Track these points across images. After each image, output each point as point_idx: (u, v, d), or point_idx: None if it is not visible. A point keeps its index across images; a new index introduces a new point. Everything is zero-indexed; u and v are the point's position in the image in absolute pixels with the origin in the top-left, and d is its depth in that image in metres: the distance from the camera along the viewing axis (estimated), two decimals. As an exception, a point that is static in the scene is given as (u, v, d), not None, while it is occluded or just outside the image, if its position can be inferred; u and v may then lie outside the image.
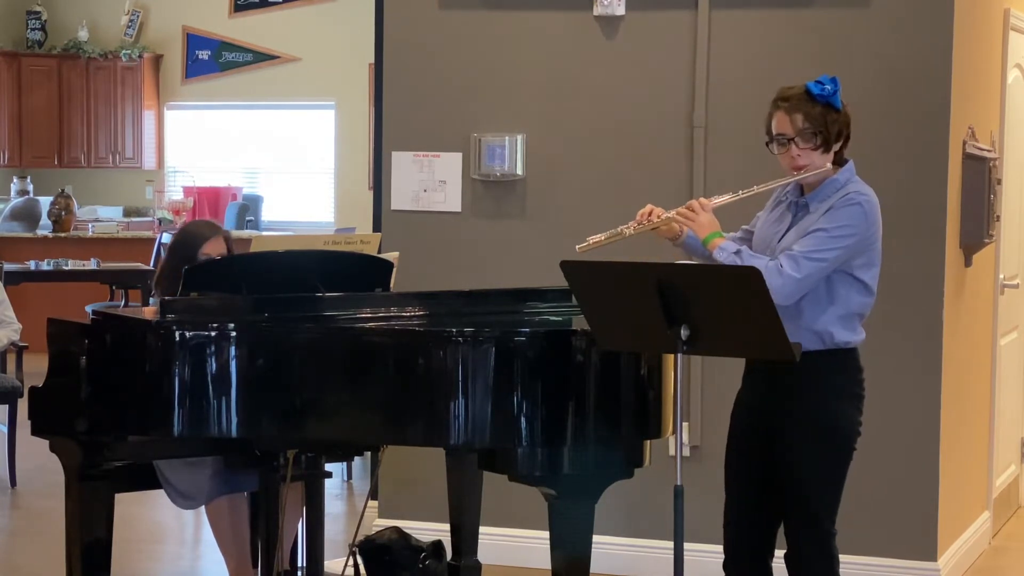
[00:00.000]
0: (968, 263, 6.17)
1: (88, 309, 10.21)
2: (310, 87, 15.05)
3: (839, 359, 4.20)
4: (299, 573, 5.14)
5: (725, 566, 4.40)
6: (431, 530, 5.82)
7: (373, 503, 6.36)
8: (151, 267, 11.63)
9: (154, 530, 6.99)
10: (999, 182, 6.41)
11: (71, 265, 11.78)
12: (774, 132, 4.22)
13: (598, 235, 4.29)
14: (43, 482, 7.62)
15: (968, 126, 5.99)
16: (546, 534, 4.32)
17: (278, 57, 15.28)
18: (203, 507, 5.23)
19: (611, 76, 6.05)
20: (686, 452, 4.69)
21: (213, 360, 4.26)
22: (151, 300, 5.34)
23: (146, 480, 5.20)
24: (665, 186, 5.79)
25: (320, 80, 14.93)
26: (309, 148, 15.36)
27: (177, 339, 4.28)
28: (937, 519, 5.79)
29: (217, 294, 4.56)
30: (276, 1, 15.21)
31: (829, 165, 4.21)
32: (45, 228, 13.83)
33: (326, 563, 5.02)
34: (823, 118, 4.18)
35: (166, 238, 9.94)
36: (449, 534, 5.31)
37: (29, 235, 13.79)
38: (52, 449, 4.67)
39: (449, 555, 5.38)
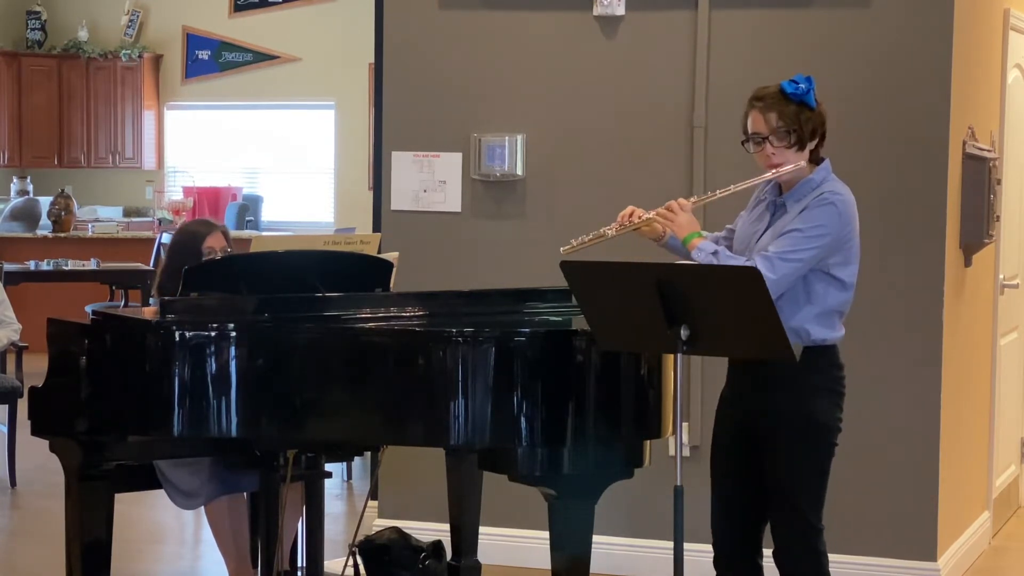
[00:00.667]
0: (968, 263, 6.17)
1: (88, 309, 10.21)
2: (310, 87, 15.05)
3: (817, 356, 4.22)
4: (299, 573, 5.15)
5: (715, 564, 4.41)
6: (431, 530, 5.82)
7: (373, 503, 6.36)
8: (151, 267, 11.63)
9: (154, 530, 6.99)
10: (999, 182, 6.41)
11: (71, 265, 11.78)
12: (749, 131, 4.25)
13: (581, 236, 4.33)
14: (43, 482, 7.62)
15: (968, 126, 5.99)
16: (546, 534, 4.32)
17: (278, 57, 15.28)
18: (203, 507, 5.24)
19: (611, 76, 6.04)
20: (686, 452, 4.70)
21: (213, 360, 4.26)
22: (151, 300, 5.34)
23: (146, 480, 5.20)
24: (665, 186, 5.78)
25: (320, 80, 14.93)
26: (309, 148, 15.36)
27: (177, 339, 4.28)
28: (937, 519, 5.79)
29: (217, 294, 4.56)
30: (276, 1, 15.21)
31: (804, 163, 4.24)
32: (45, 228, 13.84)
33: (326, 563, 5.02)
34: (797, 117, 4.20)
35: (166, 238, 9.93)
36: (449, 534, 5.31)
37: (29, 235, 13.79)
38: (52, 449, 4.68)
39: (449, 555, 5.39)
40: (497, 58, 6.18)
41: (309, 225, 14.77)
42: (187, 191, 14.97)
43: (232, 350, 4.27)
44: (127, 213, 15.31)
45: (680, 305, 3.91)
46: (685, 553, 4.02)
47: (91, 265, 11.79)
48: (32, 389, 4.70)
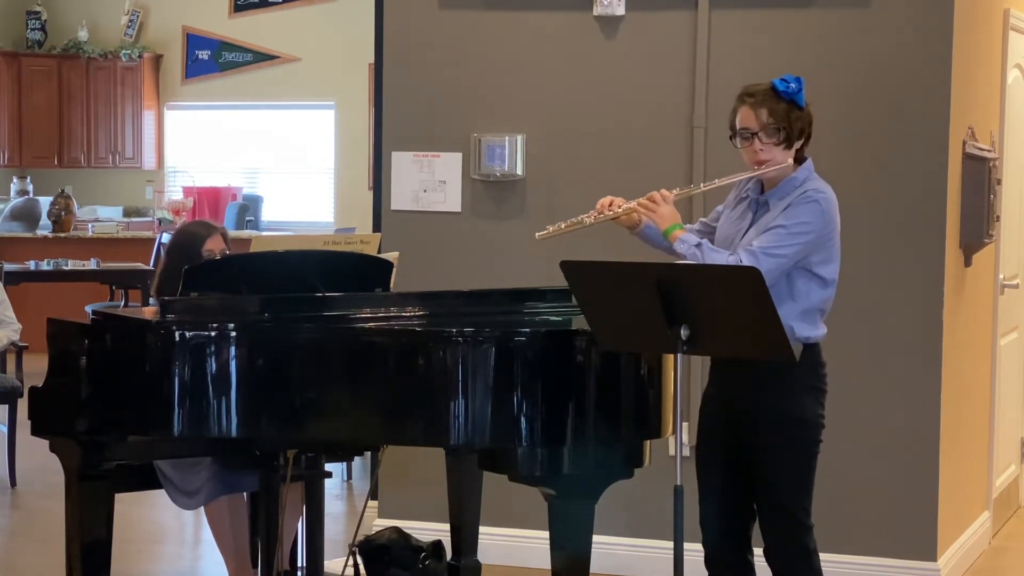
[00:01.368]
0: (968, 263, 6.17)
1: (88, 309, 10.21)
2: (310, 87, 15.05)
3: (801, 354, 4.22)
4: (299, 573, 5.14)
5: (707, 563, 4.42)
6: (431, 530, 5.82)
7: (373, 503, 6.36)
8: (151, 267, 11.62)
9: (154, 530, 6.99)
10: (999, 182, 6.41)
11: (71, 265, 11.78)
12: (738, 127, 4.28)
13: (558, 223, 4.35)
14: (43, 482, 7.62)
15: (968, 126, 5.99)
16: (546, 534, 4.32)
17: (278, 57, 15.28)
18: (203, 507, 5.23)
19: (611, 76, 6.04)
20: (686, 452, 4.69)
21: (213, 360, 4.26)
22: (151, 300, 5.34)
23: (146, 480, 5.20)
24: (665, 185, 5.72)
25: (320, 80, 14.93)
26: (309, 148, 15.36)
27: (177, 339, 4.28)
28: (937, 519, 5.79)
29: (217, 294, 4.56)
30: (276, 1, 15.21)
31: (790, 161, 4.26)
32: (45, 228, 13.83)
33: (326, 563, 5.02)
34: (787, 115, 4.24)
35: (166, 238, 9.94)
36: (449, 534, 5.32)
37: (29, 235, 13.79)
38: (52, 449, 4.67)
39: (449, 555, 5.39)
40: (497, 58, 6.17)
41: (309, 225, 14.77)
42: (187, 191, 14.97)
43: (232, 350, 4.27)
44: (127, 213, 15.31)
45: (680, 305, 3.91)
46: (685, 553, 4.02)
47: (91, 265, 11.78)
48: (32, 389, 4.70)
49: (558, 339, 4.28)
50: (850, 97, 5.74)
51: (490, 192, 6.20)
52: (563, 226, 4.35)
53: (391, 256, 5.19)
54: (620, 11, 6.00)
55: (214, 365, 4.26)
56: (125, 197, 15.76)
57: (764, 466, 4.27)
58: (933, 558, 5.79)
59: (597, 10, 6.02)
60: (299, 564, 5.15)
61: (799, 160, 4.31)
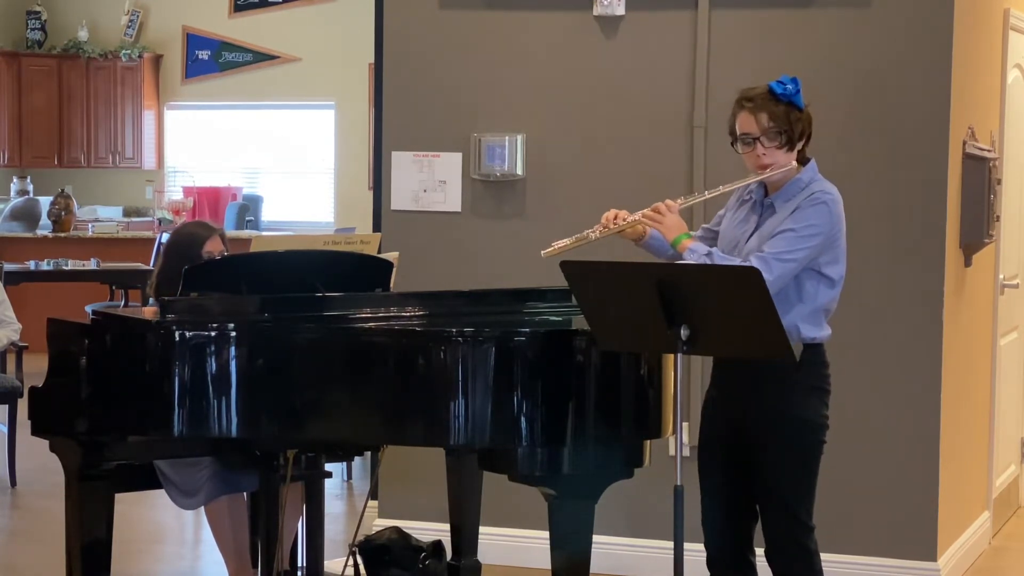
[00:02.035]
0: (968, 263, 6.17)
1: (88, 309, 10.21)
2: (310, 87, 15.05)
3: (805, 354, 4.22)
4: (299, 573, 5.14)
5: (708, 565, 4.42)
6: (431, 530, 5.82)
7: (373, 503, 6.36)
8: (151, 267, 11.61)
9: (154, 530, 6.99)
10: (999, 182, 6.41)
11: (71, 265, 11.78)
12: (739, 132, 4.27)
13: (564, 240, 4.34)
14: (43, 482, 7.62)
15: (968, 126, 5.99)
16: (546, 534, 4.32)
17: (278, 57, 15.29)
18: (203, 507, 5.23)
19: (611, 76, 6.04)
20: (686, 452, 4.69)
21: (213, 360, 4.26)
22: (150, 300, 5.33)
23: (146, 480, 5.20)
24: (665, 186, 5.78)
25: (320, 80, 14.93)
26: (309, 148, 15.37)
27: (177, 339, 4.28)
28: (937, 519, 5.79)
29: (217, 294, 4.56)
30: (276, 1, 15.21)
31: (794, 163, 4.25)
32: (45, 228, 13.84)
33: (326, 563, 5.02)
34: (787, 117, 4.23)
35: (166, 238, 9.95)
36: (449, 534, 5.32)
37: (29, 235, 13.79)
38: (52, 449, 4.67)
39: (449, 555, 5.39)
40: (497, 58, 6.17)
41: (309, 225, 14.77)
42: (187, 191, 14.97)
43: (232, 350, 4.27)
44: (127, 213, 15.31)
45: (680, 305, 3.91)
46: (685, 553, 4.02)
47: (91, 265, 11.79)
48: (32, 389, 4.70)
49: (558, 339, 4.28)
50: (850, 97, 5.74)
51: (490, 192, 6.20)
52: (569, 242, 4.33)
53: (391, 256, 5.19)
54: (620, 11, 6.00)
55: (214, 365, 4.26)
56: (125, 197, 15.76)
57: (766, 467, 4.27)
58: (933, 558, 5.79)
59: (597, 10, 6.02)
60: (299, 564, 5.15)
61: (802, 161, 4.30)
